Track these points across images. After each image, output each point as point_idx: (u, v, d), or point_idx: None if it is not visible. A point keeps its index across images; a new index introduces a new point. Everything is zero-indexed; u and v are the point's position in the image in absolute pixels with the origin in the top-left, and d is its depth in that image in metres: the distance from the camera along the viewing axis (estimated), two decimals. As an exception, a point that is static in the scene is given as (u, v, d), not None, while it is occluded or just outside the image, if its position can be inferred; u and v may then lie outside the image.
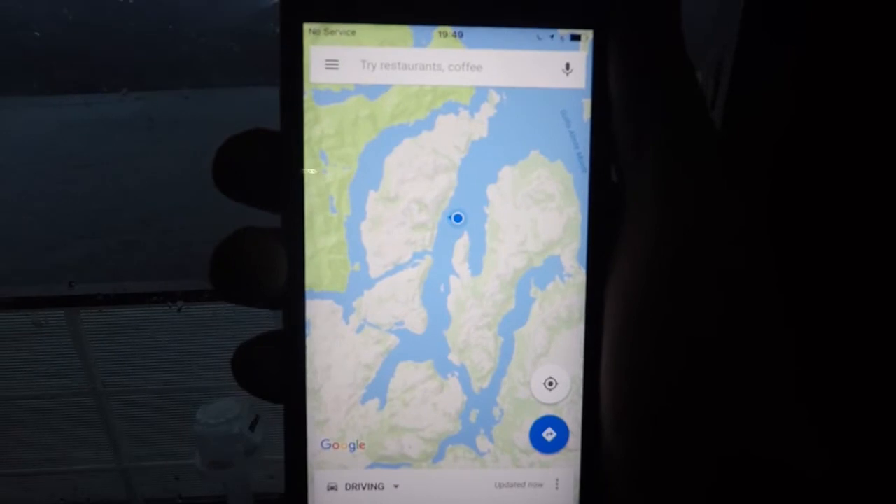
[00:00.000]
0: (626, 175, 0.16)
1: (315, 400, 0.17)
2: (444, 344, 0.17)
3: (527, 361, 0.17)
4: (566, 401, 0.17)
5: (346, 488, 0.17)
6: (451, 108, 0.16)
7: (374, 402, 0.17)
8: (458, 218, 0.16)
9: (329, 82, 0.16)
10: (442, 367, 0.17)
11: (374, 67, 0.16)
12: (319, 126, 0.16)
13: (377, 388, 0.17)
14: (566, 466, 0.17)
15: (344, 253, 0.16)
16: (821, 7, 0.23)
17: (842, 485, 0.14)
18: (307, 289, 0.16)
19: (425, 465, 0.17)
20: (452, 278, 0.16)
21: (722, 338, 0.15)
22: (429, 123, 0.16)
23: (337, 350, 0.16)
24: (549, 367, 0.17)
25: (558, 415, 0.17)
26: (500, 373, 0.17)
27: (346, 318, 0.16)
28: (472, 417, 0.17)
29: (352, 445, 0.17)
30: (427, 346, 0.17)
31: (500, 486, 0.17)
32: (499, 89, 0.16)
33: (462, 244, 0.16)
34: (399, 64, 0.16)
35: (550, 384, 0.17)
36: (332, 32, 0.16)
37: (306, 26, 0.15)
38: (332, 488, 0.17)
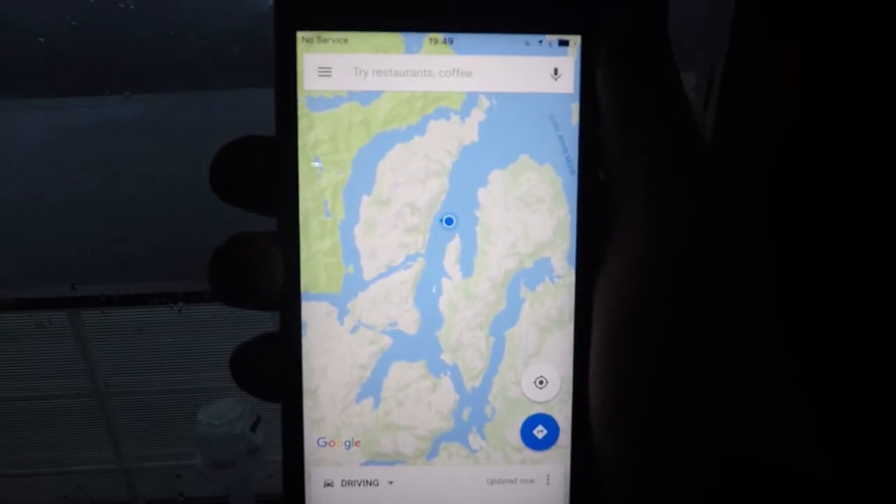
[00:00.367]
0: (615, 178, 0.16)
1: (311, 399, 0.17)
2: (436, 344, 0.17)
3: (518, 361, 0.17)
4: (556, 399, 0.17)
5: (342, 485, 0.17)
6: (442, 113, 0.16)
7: (368, 401, 0.17)
8: (449, 221, 0.17)
9: (322, 89, 0.16)
10: (435, 367, 0.17)
11: (366, 74, 0.16)
12: (313, 132, 0.16)
13: (372, 388, 0.17)
14: (556, 463, 0.17)
15: (338, 256, 0.16)
16: (813, 9, 0.23)
17: (839, 481, 0.15)
18: (303, 291, 0.17)
19: (419, 462, 0.17)
20: (444, 280, 0.17)
21: (711, 339, 0.15)
22: (420, 129, 0.16)
23: (332, 350, 0.17)
24: (540, 366, 0.17)
25: (549, 413, 0.17)
26: (491, 372, 0.17)
27: (340, 319, 0.17)
28: (465, 416, 0.17)
29: (347, 443, 0.17)
30: (420, 346, 0.17)
31: (492, 482, 0.17)
32: (489, 94, 0.16)
33: (454, 246, 0.17)
34: (391, 70, 0.16)
35: (541, 383, 0.17)
36: (325, 40, 0.16)
37: (299, 34, 0.16)
38: (328, 485, 0.17)
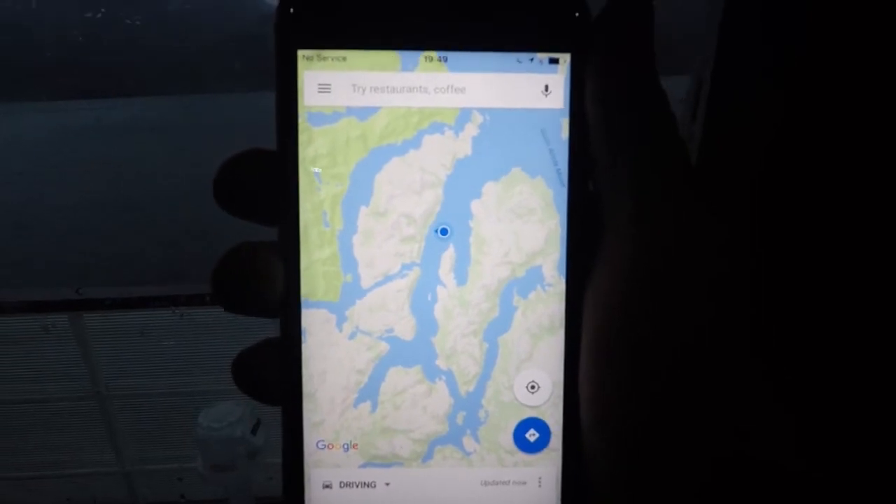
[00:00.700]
0: (603, 190, 0.16)
1: (311, 403, 0.17)
2: (432, 350, 0.17)
3: (510, 366, 0.18)
4: (548, 403, 0.18)
5: (341, 486, 0.18)
6: (437, 128, 0.17)
7: (366, 405, 0.18)
8: (444, 231, 0.17)
9: (322, 105, 0.17)
10: (430, 372, 0.18)
11: (364, 90, 0.17)
12: (313, 146, 0.17)
13: (369, 392, 0.18)
14: (548, 465, 0.18)
15: (337, 265, 0.17)
16: (800, 23, 0.24)
17: (824, 480, 0.15)
18: (303, 299, 0.17)
19: (415, 464, 0.18)
20: (439, 288, 0.17)
21: (696, 346, 0.15)
22: (416, 143, 0.17)
23: (331, 356, 0.17)
24: (532, 371, 0.18)
25: (541, 417, 0.18)
26: (485, 377, 0.18)
27: (339, 326, 0.17)
28: (459, 419, 0.18)
29: (345, 446, 0.18)
30: (416, 352, 0.17)
31: (486, 484, 0.18)
32: (482, 110, 0.17)
33: (448, 256, 0.17)
34: (387, 87, 0.17)
35: (533, 387, 0.18)
36: (325, 58, 0.17)
37: (300, 52, 0.16)
38: (327, 486, 0.18)
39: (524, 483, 0.18)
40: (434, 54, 0.17)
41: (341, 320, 0.17)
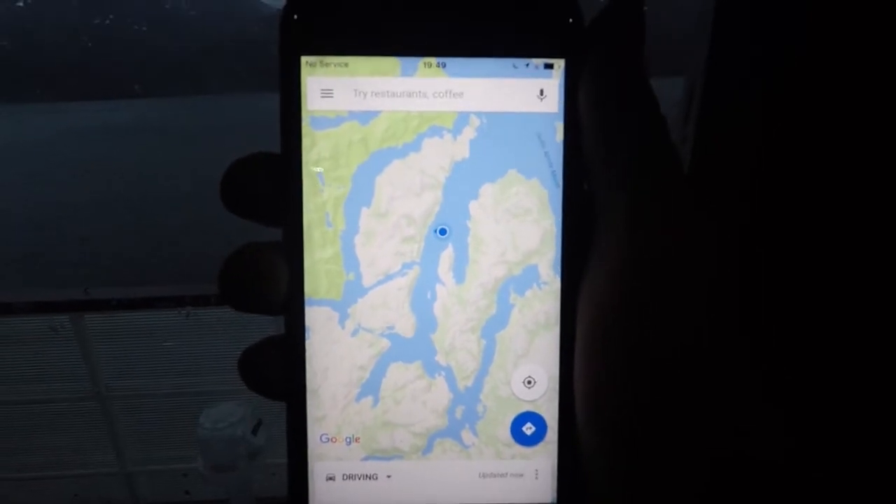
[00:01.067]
0: (597, 192, 0.17)
1: (314, 398, 0.18)
2: (431, 346, 0.18)
3: (508, 362, 0.18)
4: (544, 398, 0.18)
5: (343, 479, 0.18)
6: (436, 131, 0.17)
7: (368, 400, 0.18)
8: (443, 231, 0.18)
9: (324, 109, 0.17)
10: (430, 368, 0.18)
11: (365, 95, 0.17)
12: (316, 149, 0.17)
13: (371, 387, 0.18)
14: (545, 458, 0.18)
15: (339, 264, 0.18)
16: (789, 32, 0.25)
17: (808, 472, 0.15)
18: (306, 297, 0.18)
19: (415, 457, 0.18)
20: (439, 286, 0.18)
21: (686, 344, 0.16)
22: (416, 146, 0.17)
23: (334, 353, 0.18)
24: (528, 366, 0.18)
25: (537, 411, 0.18)
26: (483, 372, 0.18)
27: (341, 323, 0.18)
28: (458, 413, 0.18)
29: (348, 439, 0.18)
30: (416, 348, 0.18)
31: (484, 476, 0.18)
32: (479, 114, 0.17)
33: (447, 255, 0.18)
34: (388, 92, 0.17)
35: (529, 382, 0.18)
36: (327, 64, 0.17)
37: (303, 59, 0.17)
38: (330, 479, 0.18)
39: (521, 475, 0.18)
40: (433, 60, 0.17)
41: (344, 318, 0.18)
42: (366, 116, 0.17)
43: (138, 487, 1.49)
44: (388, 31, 0.17)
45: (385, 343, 0.18)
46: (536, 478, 0.18)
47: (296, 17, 0.17)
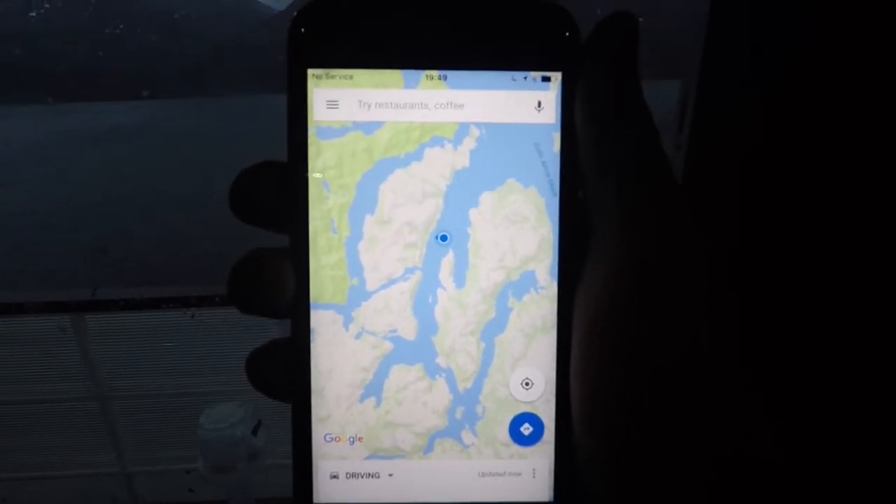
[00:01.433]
0: (592, 199, 0.18)
1: (319, 399, 0.19)
2: (432, 349, 0.19)
3: (506, 364, 0.19)
4: (541, 399, 0.19)
5: (347, 477, 0.19)
6: (437, 141, 0.18)
7: (371, 401, 0.19)
8: (444, 238, 0.18)
9: (330, 120, 0.18)
10: (431, 370, 0.19)
11: (369, 107, 0.18)
12: (322, 158, 0.18)
13: (374, 388, 0.19)
14: (542, 458, 0.19)
15: (344, 269, 0.18)
16: (780, 42, 0.25)
17: (822, 480, 0.16)
18: (312, 301, 0.18)
19: (416, 456, 0.19)
20: (440, 291, 0.18)
21: (678, 347, 0.16)
22: (418, 155, 0.18)
23: (338, 355, 0.18)
24: (526, 369, 0.19)
25: (534, 412, 0.19)
26: (482, 374, 0.19)
27: (345, 326, 0.18)
28: (458, 414, 0.19)
29: (351, 439, 0.19)
30: (417, 350, 0.19)
31: (483, 475, 0.19)
32: (479, 125, 0.18)
33: (448, 261, 0.18)
34: (391, 103, 0.18)
35: (527, 384, 0.19)
36: (333, 76, 0.18)
37: (310, 72, 0.18)
38: (334, 477, 0.19)
39: (519, 474, 0.19)
40: (435, 73, 0.18)
41: (348, 321, 0.18)
42: (370, 127, 0.18)
43: (138, 487, 1.49)
44: (392, 46, 0.18)
45: (387, 345, 0.18)
46: (534, 477, 0.19)
47: (303, 31, 0.17)
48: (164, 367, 1.47)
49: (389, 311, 0.18)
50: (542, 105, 0.18)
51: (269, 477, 1.33)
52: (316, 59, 0.18)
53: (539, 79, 0.18)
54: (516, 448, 0.19)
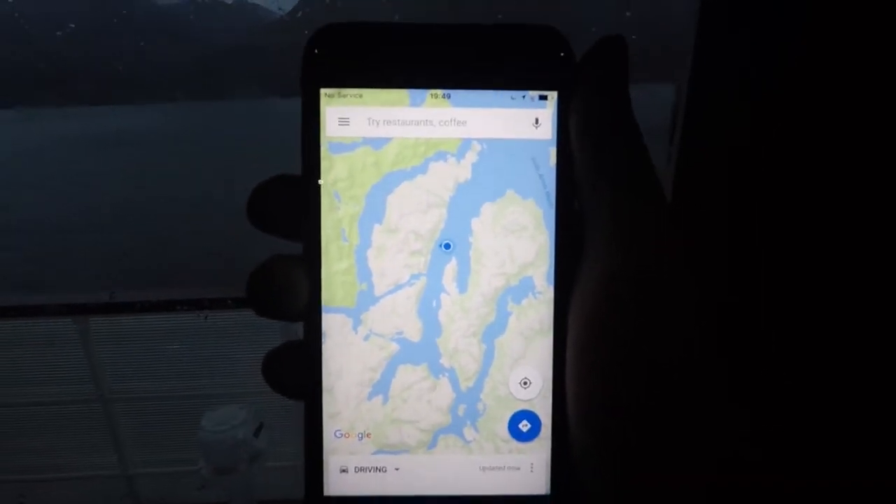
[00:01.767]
0: (586, 211, 0.19)
1: (329, 397, 0.20)
2: (436, 350, 0.20)
3: (506, 364, 0.20)
4: (539, 397, 0.20)
5: (356, 471, 0.20)
6: (441, 156, 0.19)
7: (378, 399, 0.20)
8: (447, 246, 0.19)
9: (341, 136, 0.19)
10: (435, 370, 0.20)
11: (378, 123, 0.19)
12: (333, 171, 0.19)
13: (381, 387, 0.20)
14: (539, 453, 0.20)
15: (353, 275, 0.19)
16: (773, 50, 0.26)
17: (784, 471, 0.17)
18: (323, 305, 0.19)
19: (421, 451, 0.20)
20: (443, 295, 0.19)
21: (667, 350, 0.17)
22: (423, 169, 0.19)
23: (347, 355, 0.20)
24: (525, 369, 0.20)
25: (532, 409, 0.20)
26: (483, 374, 0.20)
27: (355, 328, 0.19)
28: (460, 411, 0.20)
29: (360, 435, 0.20)
30: (422, 351, 0.20)
31: (484, 469, 0.20)
32: (480, 140, 0.19)
33: (451, 267, 0.19)
34: (398, 120, 0.19)
35: (525, 383, 0.20)
36: (344, 95, 0.19)
37: (322, 91, 0.19)
38: (343, 471, 0.20)
39: (518, 468, 0.20)
40: (439, 92, 0.19)
41: (357, 324, 0.19)
42: (378, 142, 0.19)
43: (138, 488, 1.50)
44: (399, 66, 0.19)
45: (394, 347, 0.20)
46: (532, 471, 0.20)
47: (316, 52, 0.19)
48: (165, 369, 1.47)
49: (396, 315, 0.19)
50: (540, 122, 0.19)
51: (270, 479, 1.33)
52: (328, 78, 0.19)
53: (536, 97, 0.19)
54: (515, 443, 0.20)
